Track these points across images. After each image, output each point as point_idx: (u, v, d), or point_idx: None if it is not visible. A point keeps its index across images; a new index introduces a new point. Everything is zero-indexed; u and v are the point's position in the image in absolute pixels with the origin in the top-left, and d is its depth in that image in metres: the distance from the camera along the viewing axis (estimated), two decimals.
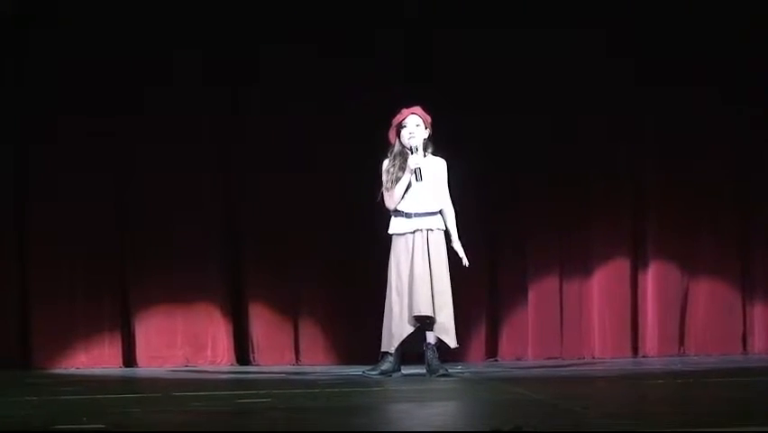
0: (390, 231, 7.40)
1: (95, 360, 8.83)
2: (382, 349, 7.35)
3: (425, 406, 5.32)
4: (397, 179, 7.33)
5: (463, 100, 9.02)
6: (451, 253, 7.43)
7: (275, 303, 9.08)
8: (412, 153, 7.31)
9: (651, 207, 9.46)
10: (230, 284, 9.13)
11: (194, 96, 8.98)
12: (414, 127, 7.39)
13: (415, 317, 7.22)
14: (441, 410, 5.10)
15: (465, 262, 7.40)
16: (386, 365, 7.28)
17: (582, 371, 7.99)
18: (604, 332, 9.31)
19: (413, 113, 7.42)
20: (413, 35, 9.05)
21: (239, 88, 9.10)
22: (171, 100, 8.97)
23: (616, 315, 9.32)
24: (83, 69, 8.81)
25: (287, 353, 9.06)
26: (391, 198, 7.36)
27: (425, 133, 7.43)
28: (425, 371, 7.32)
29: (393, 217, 7.39)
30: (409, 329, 7.26)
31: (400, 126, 7.42)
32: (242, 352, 9.07)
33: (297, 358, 9.08)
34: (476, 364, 8.87)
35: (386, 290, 7.36)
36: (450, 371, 7.32)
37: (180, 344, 9.00)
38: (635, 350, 9.33)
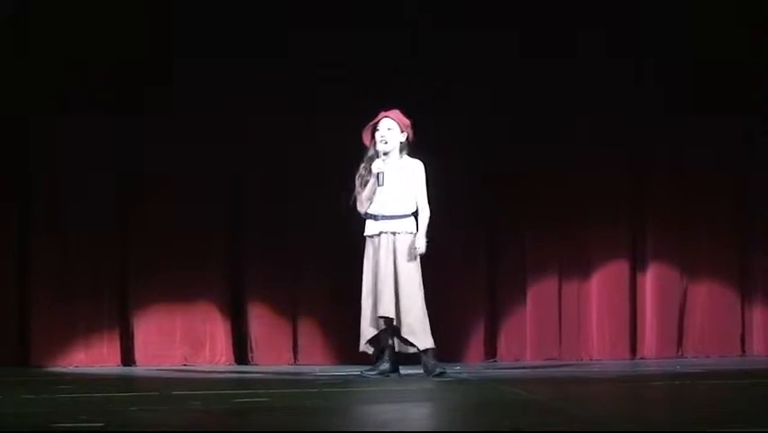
0: (365, 233, 7.40)
1: (94, 359, 8.83)
2: (360, 349, 7.37)
3: (419, 406, 5.32)
4: (367, 183, 7.34)
5: (460, 100, 9.03)
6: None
7: (273, 303, 9.08)
8: (377, 158, 7.30)
9: (650, 208, 9.47)
10: (229, 284, 9.14)
11: (193, 97, 8.98)
12: (386, 131, 7.37)
13: (380, 318, 7.22)
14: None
15: (419, 250, 7.28)
16: (384, 365, 7.29)
17: (580, 372, 7.98)
18: (602, 333, 9.31)
19: (387, 116, 7.40)
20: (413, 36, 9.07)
21: (237, 88, 9.10)
22: (172, 100, 8.97)
23: (614, 316, 9.32)
24: (83, 69, 8.82)
25: (285, 352, 9.07)
26: (360, 202, 7.37)
27: (401, 137, 7.40)
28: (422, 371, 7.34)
29: (366, 220, 7.40)
30: (374, 331, 7.27)
31: (374, 129, 7.41)
32: (241, 351, 9.08)
33: (296, 358, 9.09)
34: (475, 365, 8.87)
35: None
36: (447, 371, 7.31)
37: (179, 343, 9.01)
38: (634, 352, 9.34)
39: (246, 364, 8.96)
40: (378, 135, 7.38)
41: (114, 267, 8.98)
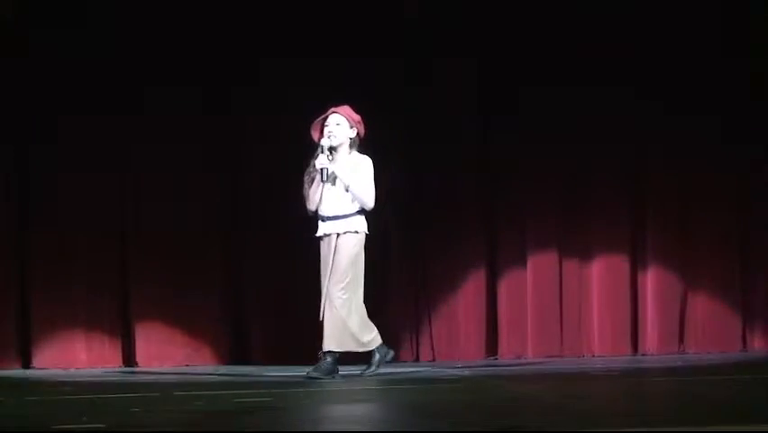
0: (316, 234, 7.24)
1: (95, 359, 8.84)
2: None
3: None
4: (313, 180, 7.17)
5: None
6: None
7: (275, 303, 9.07)
8: (322, 153, 7.15)
9: (651, 206, 9.47)
10: (230, 284, 9.13)
11: (193, 97, 8.98)
12: (334, 126, 7.19)
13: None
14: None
15: (321, 165, 7.04)
16: (326, 366, 7.08)
17: (582, 368, 7.98)
18: (604, 330, 9.32)
19: (335, 111, 7.22)
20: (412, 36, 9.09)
21: (233, 89, 9.10)
22: (171, 100, 8.97)
23: (615, 312, 9.33)
24: (83, 69, 8.82)
25: (287, 353, 9.06)
26: (307, 200, 7.20)
27: (350, 132, 7.22)
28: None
29: (317, 220, 7.22)
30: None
31: (324, 125, 7.24)
32: (242, 352, 9.07)
33: (298, 357, 9.07)
34: (476, 362, 8.88)
35: None
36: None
37: (180, 343, 9.00)
38: (635, 348, 9.35)
39: (248, 365, 8.95)
40: (326, 130, 7.20)
41: (114, 268, 8.98)
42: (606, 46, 9.21)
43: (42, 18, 8.87)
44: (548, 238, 9.37)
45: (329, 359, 7.06)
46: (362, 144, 7.32)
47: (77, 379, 7.64)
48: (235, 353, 9.08)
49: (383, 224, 9.21)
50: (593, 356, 9.22)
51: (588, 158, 9.39)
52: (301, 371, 7.17)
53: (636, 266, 9.42)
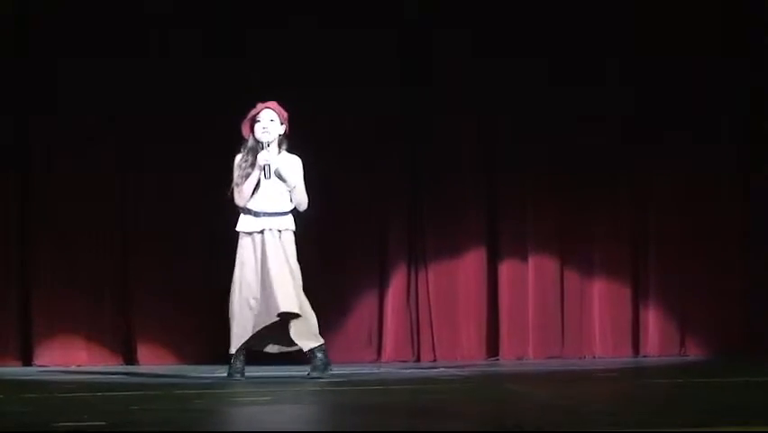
0: (238, 228, 7.10)
1: (95, 358, 8.84)
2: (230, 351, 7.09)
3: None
4: (248, 175, 7.04)
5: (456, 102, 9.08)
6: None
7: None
8: (262, 149, 7.06)
9: (651, 207, 9.48)
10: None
11: (193, 97, 8.99)
12: (268, 122, 7.08)
13: (280, 314, 6.94)
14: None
15: (265, 162, 6.98)
16: (234, 366, 7.06)
17: (583, 370, 7.99)
18: (605, 331, 9.32)
19: (267, 107, 7.12)
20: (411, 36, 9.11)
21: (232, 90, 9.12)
22: (171, 100, 8.98)
23: (617, 314, 9.33)
24: (83, 69, 8.83)
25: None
26: (240, 195, 7.07)
27: (281, 129, 7.13)
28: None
29: (242, 214, 7.10)
30: (251, 331, 7.02)
31: (254, 121, 7.12)
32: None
33: (299, 356, 9.07)
34: (477, 363, 8.88)
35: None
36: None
37: (180, 341, 9.01)
38: (637, 349, 9.35)
39: (249, 364, 8.93)
40: (259, 126, 7.07)
41: (114, 266, 8.99)
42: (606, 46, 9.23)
43: (42, 18, 8.90)
44: (550, 240, 9.37)
45: (318, 355, 7.02)
46: (289, 143, 7.21)
47: (77, 377, 7.64)
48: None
49: (382, 223, 9.26)
50: (594, 358, 9.22)
51: (588, 157, 9.38)
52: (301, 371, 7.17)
53: (638, 267, 9.43)
